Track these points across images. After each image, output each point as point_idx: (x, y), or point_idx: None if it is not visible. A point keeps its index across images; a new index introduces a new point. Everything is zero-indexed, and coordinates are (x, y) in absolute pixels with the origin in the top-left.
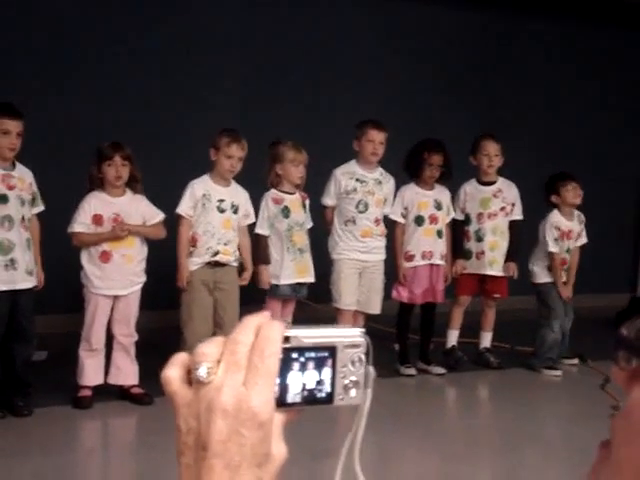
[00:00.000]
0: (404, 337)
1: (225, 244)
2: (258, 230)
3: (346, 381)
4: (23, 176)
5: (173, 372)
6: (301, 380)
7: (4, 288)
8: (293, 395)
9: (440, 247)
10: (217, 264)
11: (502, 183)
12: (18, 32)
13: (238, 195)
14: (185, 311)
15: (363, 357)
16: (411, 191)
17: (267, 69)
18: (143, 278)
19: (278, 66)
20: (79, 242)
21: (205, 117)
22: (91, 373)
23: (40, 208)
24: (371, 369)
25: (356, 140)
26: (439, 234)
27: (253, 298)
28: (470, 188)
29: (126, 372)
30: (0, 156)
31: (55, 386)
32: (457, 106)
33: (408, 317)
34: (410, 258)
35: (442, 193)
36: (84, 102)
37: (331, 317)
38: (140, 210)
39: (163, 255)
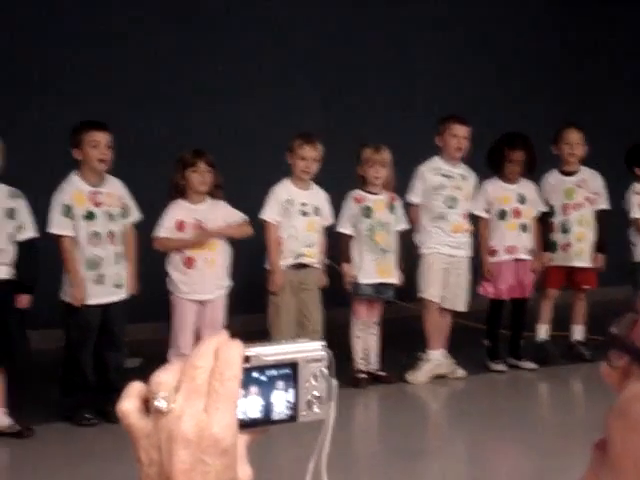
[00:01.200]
0: (494, 333)
1: (309, 246)
2: (340, 229)
3: (309, 396)
4: (113, 190)
5: (129, 404)
6: (263, 399)
7: (94, 302)
8: (255, 415)
9: (525, 241)
10: (301, 266)
11: (585, 172)
12: (90, 47)
13: (318, 197)
14: (272, 313)
15: (325, 371)
16: (494, 186)
17: (346, 69)
18: (228, 282)
19: (358, 66)
20: (163, 247)
21: (287, 120)
22: None
23: (133, 218)
24: (334, 382)
25: (439, 135)
26: (524, 228)
27: (341, 299)
28: (552, 179)
29: None
30: (91, 169)
31: None
32: (537, 97)
33: (498, 313)
34: (494, 253)
35: (526, 186)
36: (164, 110)
37: (418, 316)
38: (221, 215)
39: (247, 260)
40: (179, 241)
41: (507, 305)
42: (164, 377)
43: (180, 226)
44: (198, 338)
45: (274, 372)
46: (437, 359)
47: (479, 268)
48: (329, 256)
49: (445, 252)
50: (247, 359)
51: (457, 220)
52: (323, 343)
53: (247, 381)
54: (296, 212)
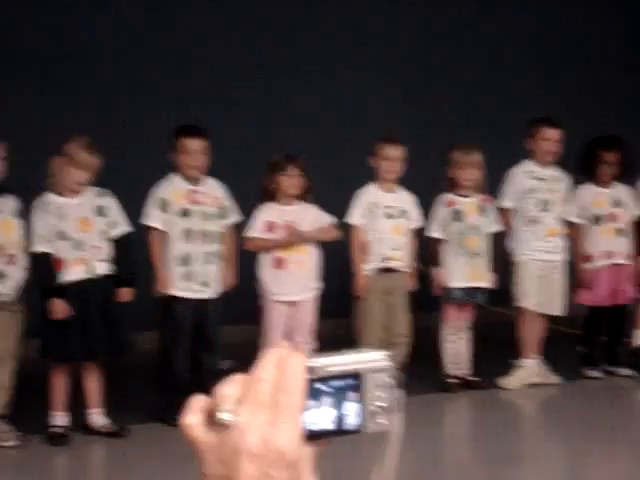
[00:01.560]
0: (591, 339)
1: (396, 249)
2: (430, 233)
3: (373, 407)
4: (211, 191)
5: (193, 418)
6: (327, 411)
7: (182, 295)
8: (320, 427)
9: (622, 246)
10: (388, 270)
11: None
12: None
13: (405, 200)
14: (359, 318)
15: (390, 381)
16: (587, 190)
17: (433, 70)
18: (318, 284)
19: (444, 67)
20: (254, 247)
21: (373, 123)
22: None
23: (233, 220)
24: (398, 392)
25: (530, 138)
26: (620, 232)
27: (431, 303)
28: None
29: None
30: (185, 174)
31: None
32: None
33: (597, 320)
34: (590, 259)
35: (621, 190)
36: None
37: (509, 321)
38: (310, 217)
39: (338, 263)
40: (270, 241)
41: (605, 311)
42: (228, 390)
43: (270, 227)
44: (289, 340)
45: (338, 383)
46: (531, 366)
47: (575, 275)
48: (419, 259)
49: (540, 257)
50: (310, 370)
51: (551, 223)
52: (387, 353)
53: (311, 393)
54: (381, 215)
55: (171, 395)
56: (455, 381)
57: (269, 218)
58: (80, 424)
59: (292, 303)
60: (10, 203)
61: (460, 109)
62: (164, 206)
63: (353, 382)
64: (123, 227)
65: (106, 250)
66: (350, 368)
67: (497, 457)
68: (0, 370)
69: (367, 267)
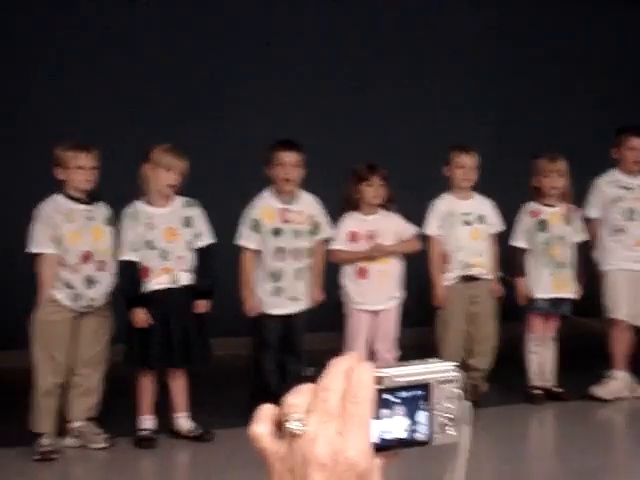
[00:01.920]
0: None
1: (477, 256)
2: (514, 242)
3: (442, 419)
4: (303, 208)
5: (261, 428)
6: (396, 422)
7: (272, 312)
8: (390, 438)
9: None
10: (471, 278)
11: None
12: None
13: (482, 205)
14: (440, 327)
15: (459, 392)
16: None
17: (515, 80)
18: (400, 293)
19: (525, 76)
20: (337, 259)
21: (452, 132)
22: None
23: (324, 235)
24: (467, 404)
25: (615, 148)
26: None
27: (514, 313)
28: None
29: None
30: (279, 189)
31: None
32: None
33: None
34: None
35: None
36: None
37: (594, 333)
38: (393, 227)
39: (419, 271)
40: (353, 253)
41: None
42: (296, 400)
43: (353, 237)
44: (371, 349)
45: (406, 394)
46: (622, 378)
47: None
48: (501, 268)
49: (627, 267)
50: (379, 380)
51: (638, 233)
52: (455, 363)
53: (379, 403)
54: (459, 222)
55: (262, 401)
56: (540, 392)
57: (352, 228)
58: (167, 427)
59: (375, 312)
60: (101, 211)
61: (542, 117)
62: (257, 227)
63: (421, 393)
64: (207, 239)
65: (190, 260)
66: (418, 379)
67: (583, 471)
68: (90, 374)
69: (448, 276)
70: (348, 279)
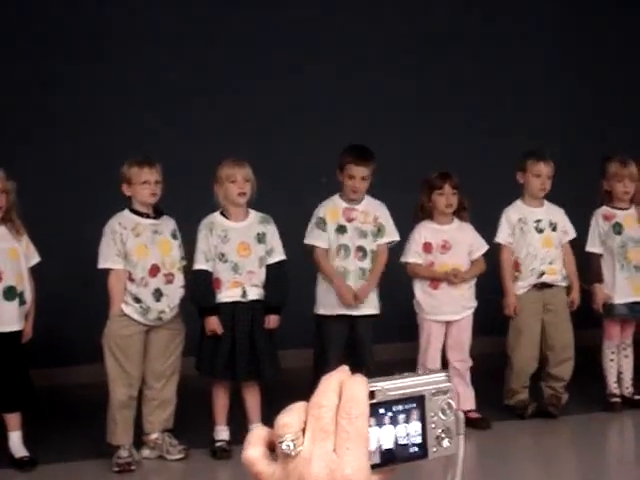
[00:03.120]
0: None
1: (550, 263)
2: (589, 248)
3: (438, 431)
4: (369, 209)
5: (254, 451)
6: (392, 437)
7: (337, 312)
8: (386, 454)
9: None
10: (544, 285)
11: None
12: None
13: (554, 212)
14: (513, 336)
15: (452, 403)
16: None
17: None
18: (474, 303)
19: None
20: (412, 273)
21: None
22: None
23: (386, 239)
24: (460, 414)
25: None
26: None
27: (590, 320)
28: None
29: (463, 397)
30: (346, 196)
31: None
32: None
33: None
34: None
35: None
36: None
37: None
38: (467, 239)
39: (489, 280)
40: (429, 271)
41: None
42: (289, 419)
43: (427, 248)
44: (445, 358)
45: (400, 407)
46: None
47: None
48: (579, 275)
49: None
50: (372, 395)
51: None
52: (447, 373)
53: (374, 418)
54: (531, 230)
55: None
56: (618, 400)
57: (426, 239)
58: (242, 438)
59: (448, 322)
60: (168, 224)
61: (609, 120)
62: (323, 225)
63: (415, 406)
64: (279, 255)
65: (260, 276)
66: (412, 391)
67: None
68: (164, 386)
69: (521, 284)
70: (420, 290)
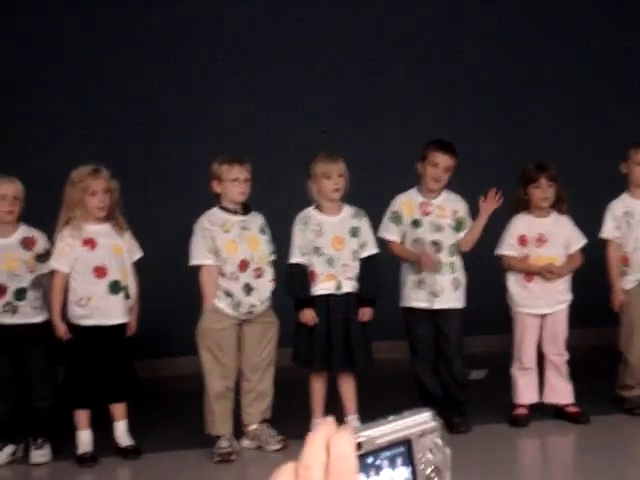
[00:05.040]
0: None
1: None
2: None
3: (427, 471)
4: (447, 204)
5: None
6: None
7: (415, 305)
8: None
9: None
10: None
11: None
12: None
13: None
14: (625, 331)
15: (439, 442)
16: None
17: None
18: (569, 296)
19: None
20: (507, 266)
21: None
22: (525, 391)
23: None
24: (447, 451)
25: None
26: None
27: None
28: None
29: (560, 391)
30: (426, 186)
31: (494, 404)
32: None
33: None
34: None
35: None
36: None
37: None
38: (565, 233)
39: (593, 272)
40: (524, 266)
41: None
42: None
43: (522, 241)
44: (541, 352)
45: (388, 453)
46: None
47: None
48: None
49: None
50: (359, 446)
51: None
52: (432, 411)
53: (363, 469)
54: (638, 223)
55: (426, 402)
56: None
57: (521, 232)
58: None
59: (543, 315)
60: (256, 220)
61: None
62: (397, 219)
63: (403, 449)
64: (373, 249)
65: (354, 269)
66: (398, 435)
67: None
68: (261, 378)
69: (630, 278)
70: (514, 282)
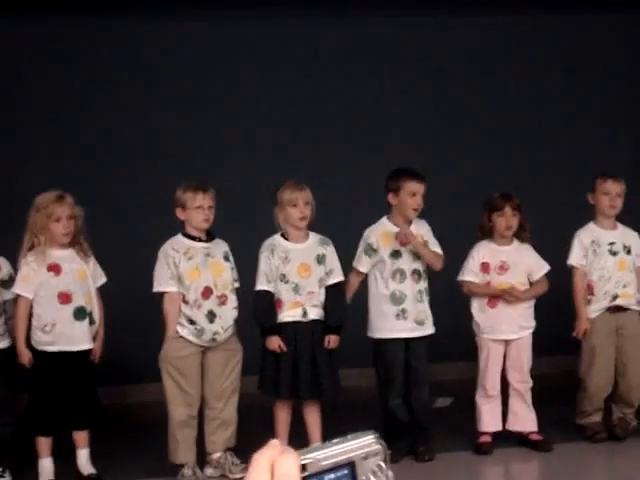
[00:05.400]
0: None
1: (624, 287)
2: None
3: None
4: (418, 231)
5: None
6: None
7: (395, 336)
8: None
9: None
10: (618, 309)
11: None
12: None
13: (628, 236)
14: (586, 359)
15: (382, 464)
16: None
17: None
18: (532, 323)
19: None
20: (468, 291)
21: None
22: (489, 419)
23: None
24: (390, 474)
25: None
26: None
27: None
28: None
29: (524, 418)
30: (403, 215)
31: (457, 431)
32: None
33: None
34: None
35: None
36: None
37: None
38: (526, 260)
39: (557, 300)
40: (485, 289)
41: None
42: None
43: (484, 267)
44: (505, 379)
45: (332, 475)
46: None
47: None
48: None
49: None
50: (304, 467)
51: None
52: (376, 435)
53: None
54: (604, 252)
55: (392, 431)
56: None
57: (484, 259)
58: None
59: (507, 341)
60: (220, 247)
61: None
62: (372, 252)
63: (347, 472)
64: (338, 276)
65: (320, 296)
66: (342, 458)
67: None
68: (226, 405)
69: (594, 307)
70: (477, 309)
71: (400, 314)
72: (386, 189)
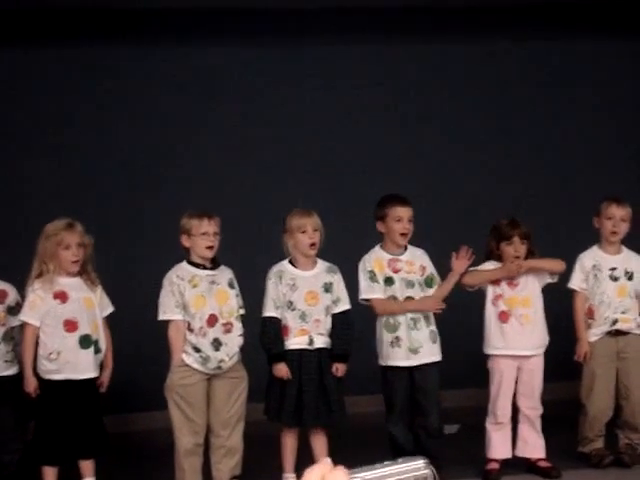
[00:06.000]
0: None
1: (623, 312)
2: None
3: None
4: (413, 259)
5: None
6: None
7: (391, 364)
8: None
9: None
10: (619, 332)
11: None
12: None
13: (632, 261)
14: (587, 383)
15: None
16: None
17: None
18: (546, 341)
19: None
20: (470, 281)
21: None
22: (499, 446)
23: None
24: None
25: None
26: None
27: None
28: None
29: (532, 445)
30: (393, 242)
31: (466, 459)
32: None
33: None
34: None
35: None
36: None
37: None
38: (535, 283)
39: (562, 327)
40: (489, 275)
41: None
42: None
43: (495, 281)
44: (515, 405)
45: None
46: None
47: None
48: None
49: None
50: None
51: None
52: (426, 460)
53: None
54: (605, 278)
55: (397, 458)
56: None
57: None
58: None
59: (519, 364)
60: (225, 274)
61: None
62: (373, 277)
63: None
64: (345, 305)
65: (326, 324)
66: None
67: None
68: (231, 433)
69: (594, 331)
70: (489, 323)
71: (394, 342)
72: (375, 218)
